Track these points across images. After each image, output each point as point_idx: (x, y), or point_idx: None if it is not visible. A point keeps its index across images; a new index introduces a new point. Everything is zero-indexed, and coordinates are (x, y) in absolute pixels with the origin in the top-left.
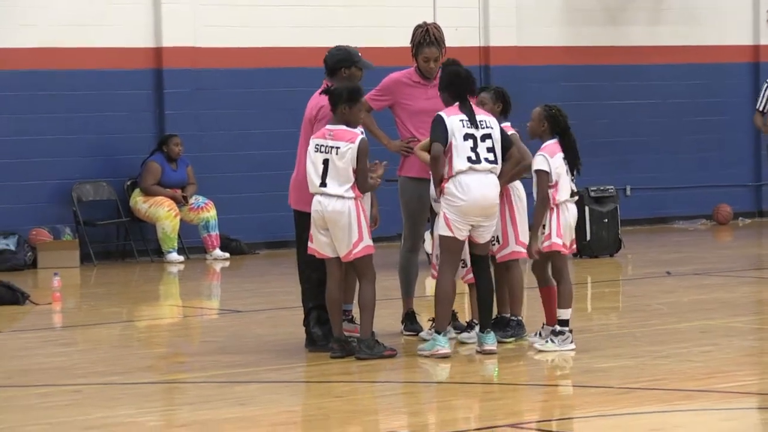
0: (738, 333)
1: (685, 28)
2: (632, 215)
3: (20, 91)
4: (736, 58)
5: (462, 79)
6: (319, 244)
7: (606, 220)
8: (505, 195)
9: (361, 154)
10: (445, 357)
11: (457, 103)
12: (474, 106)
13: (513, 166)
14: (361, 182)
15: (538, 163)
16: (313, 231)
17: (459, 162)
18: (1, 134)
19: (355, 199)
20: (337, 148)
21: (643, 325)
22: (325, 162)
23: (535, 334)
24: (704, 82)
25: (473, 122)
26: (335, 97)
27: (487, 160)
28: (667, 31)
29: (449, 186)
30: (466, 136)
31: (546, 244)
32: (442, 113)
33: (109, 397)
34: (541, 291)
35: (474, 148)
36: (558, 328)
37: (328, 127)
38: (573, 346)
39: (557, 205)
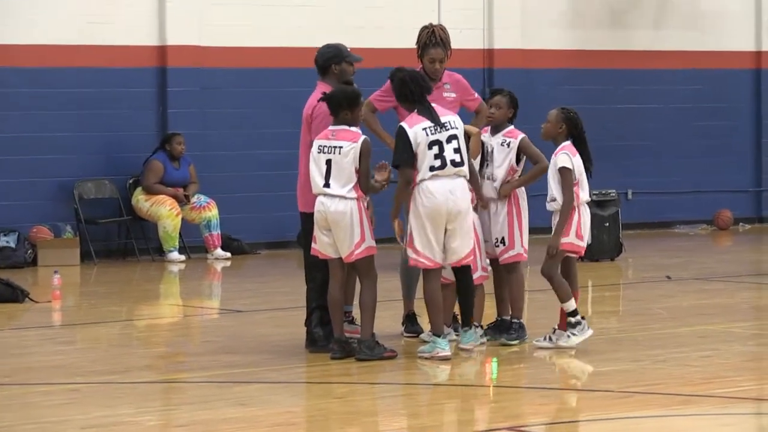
0: (737, 338)
1: (689, 33)
2: (633, 219)
3: (23, 88)
4: (738, 64)
5: (411, 84)
6: (321, 245)
7: (607, 224)
8: (512, 197)
9: (364, 154)
10: (445, 359)
11: (415, 110)
12: (435, 106)
13: (539, 172)
14: (363, 183)
15: (563, 161)
16: (316, 231)
17: (423, 172)
18: (4, 131)
19: (358, 199)
20: (340, 147)
21: (643, 329)
22: (328, 162)
23: (544, 338)
24: (707, 88)
25: (438, 124)
26: (335, 105)
27: (453, 162)
28: (671, 35)
29: (414, 194)
30: (431, 144)
31: (565, 241)
32: (404, 124)
33: (109, 396)
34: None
35: (440, 154)
36: (572, 320)
37: (331, 127)
38: (591, 331)
39: (578, 205)
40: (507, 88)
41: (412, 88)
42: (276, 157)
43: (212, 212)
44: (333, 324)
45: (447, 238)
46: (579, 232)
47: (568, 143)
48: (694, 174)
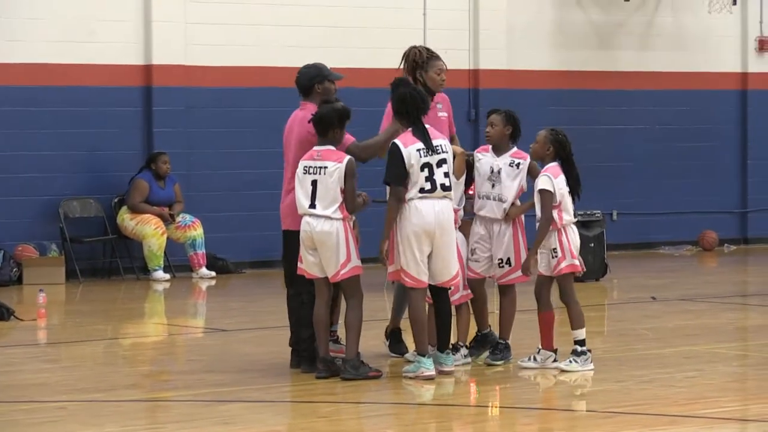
0: (722, 359)
1: (674, 54)
2: (618, 240)
3: (8, 106)
4: (724, 85)
5: (410, 103)
6: (307, 264)
7: (592, 245)
8: (517, 220)
9: (349, 174)
10: (429, 379)
11: (410, 129)
12: (428, 128)
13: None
14: (349, 202)
15: (543, 183)
16: (302, 251)
17: (412, 192)
18: None
19: (343, 220)
20: (325, 168)
21: (627, 349)
22: (314, 183)
23: (529, 359)
24: (692, 109)
25: (429, 148)
26: (327, 123)
27: (443, 186)
28: (657, 56)
29: (402, 211)
30: (423, 166)
31: (564, 265)
32: (398, 143)
33: (94, 414)
34: (544, 315)
35: (430, 177)
36: (579, 348)
37: (316, 148)
38: (592, 366)
39: (564, 227)
40: (493, 108)
41: (410, 108)
42: (261, 177)
43: (197, 231)
44: (318, 343)
45: (433, 258)
46: (573, 253)
47: (553, 165)
48: (679, 195)
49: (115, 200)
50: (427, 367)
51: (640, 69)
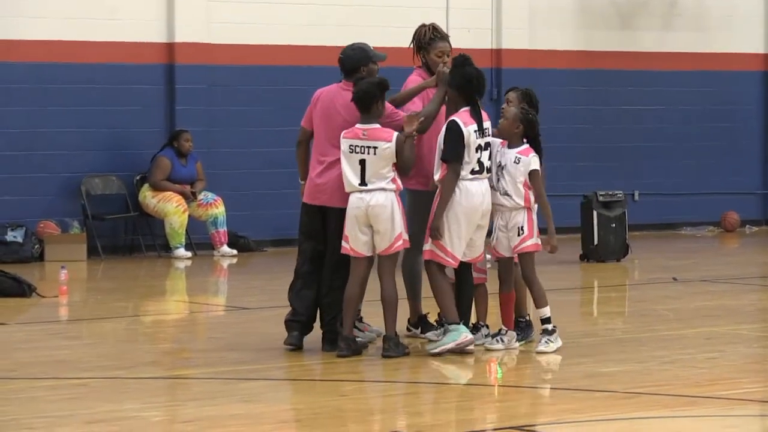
0: (743, 340)
1: (697, 34)
2: (640, 220)
3: (31, 83)
4: (747, 66)
5: (477, 83)
6: (357, 243)
7: (614, 225)
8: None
9: (400, 148)
10: (471, 343)
11: (467, 108)
12: (482, 111)
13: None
14: (406, 170)
15: (535, 163)
16: (352, 230)
17: (464, 172)
18: (11, 126)
19: (396, 191)
20: (375, 147)
21: (648, 330)
22: (362, 162)
23: (494, 338)
24: (715, 90)
25: (481, 130)
26: (370, 100)
27: (487, 169)
28: (679, 37)
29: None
30: (477, 148)
31: (530, 243)
32: (458, 121)
33: (115, 392)
34: (506, 296)
35: (479, 158)
36: (550, 327)
37: (360, 126)
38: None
39: (532, 207)
40: (525, 87)
41: (474, 88)
42: (283, 155)
43: (219, 209)
44: (345, 321)
45: (471, 237)
46: (538, 233)
47: (526, 146)
48: (701, 175)
49: (137, 178)
50: (465, 332)
51: (662, 49)
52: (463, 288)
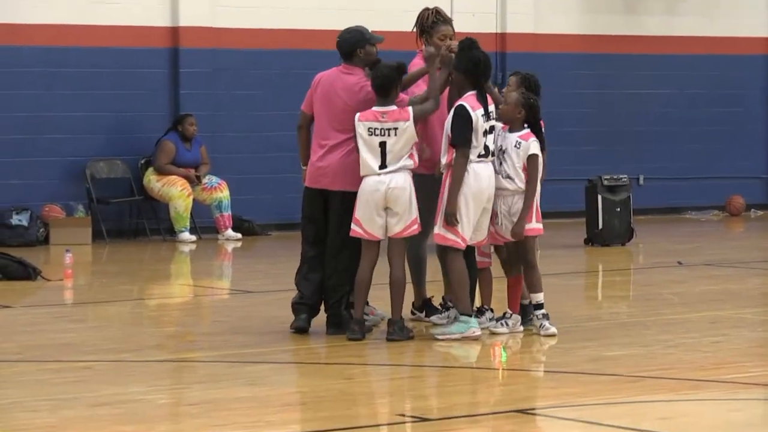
0: (747, 324)
1: (702, 18)
2: (645, 204)
3: (36, 67)
4: (752, 50)
5: (484, 67)
6: (372, 226)
7: (618, 209)
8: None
9: (418, 114)
10: (477, 338)
11: (473, 92)
12: (488, 96)
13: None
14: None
15: (534, 148)
16: (365, 214)
17: (472, 155)
18: (16, 110)
19: (412, 171)
20: (395, 129)
21: (653, 314)
22: (382, 144)
23: (499, 322)
24: (720, 73)
25: (487, 114)
26: (390, 85)
27: (492, 153)
28: (684, 21)
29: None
30: (485, 132)
31: (533, 227)
32: (466, 105)
33: (120, 375)
34: (514, 280)
35: (485, 142)
36: (544, 311)
37: (379, 109)
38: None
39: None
40: (525, 71)
41: (481, 72)
42: (288, 139)
43: (223, 193)
44: (356, 305)
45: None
46: (539, 216)
47: (528, 130)
48: (706, 160)
49: (142, 161)
50: (475, 326)
51: (667, 33)
52: (471, 274)
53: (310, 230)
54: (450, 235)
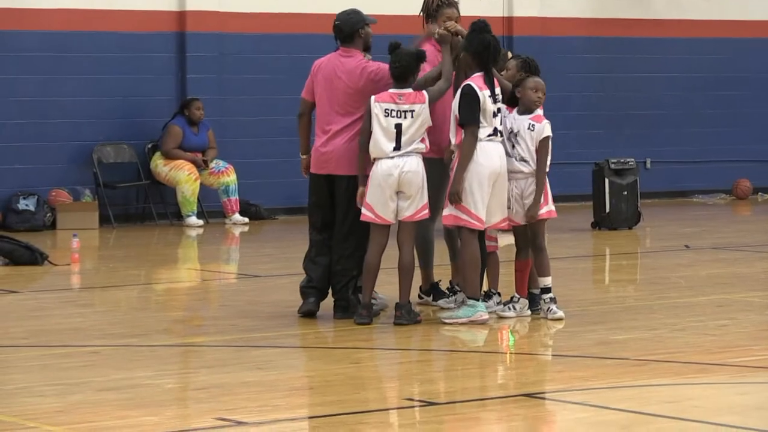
0: (754, 308)
1: (709, 2)
2: (652, 188)
3: (43, 52)
4: (759, 33)
5: (494, 50)
6: (385, 210)
7: (625, 193)
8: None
9: (434, 96)
10: (484, 323)
11: (481, 74)
12: (495, 78)
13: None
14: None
15: (548, 130)
16: (378, 198)
17: (482, 135)
18: (23, 95)
19: (423, 154)
20: (412, 111)
21: (660, 298)
22: (398, 126)
23: (506, 305)
24: (727, 57)
25: (494, 96)
26: (409, 72)
27: (501, 133)
28: (691, 4)
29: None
30: (494, 113)
31: (544, 211)
32: (473, 84)
33: (127, 359)
34: (523, 264)
35: (494, 124)
36: (552, 295)
37: (395, 91)
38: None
39: (546, 174)
40: (525, 55)
41: (490, 54)
42: (295, 123)
43: (230, 177)
44: (364, 289)
45: (489, 201)
46: (551, 199)
47: (540, 112)
48: (714, 143)
49: (149, 146)
50: (483, 310)
51: (674, 17)
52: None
53: (317, 216)
54: (463, 216)
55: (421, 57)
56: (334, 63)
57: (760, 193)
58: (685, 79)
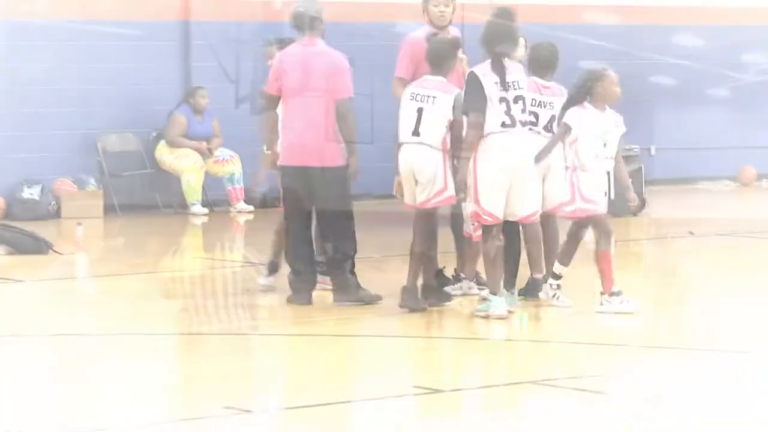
0: (760, 294)
1: None
2: (657, 175)
3: (47, 40)
4: (764, 19)
5: (500, 39)
6: (409, 195)
7: (630, 180)
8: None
9: (458, 106)
10: (501, 318)
11: (488, 62)
12: (506, 65)
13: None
14: (456, 135)
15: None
16: (405, 183)
17: (492, 124)
18: (28, 83)
19: (444, 152)
20: (434, 97)
21: (664, 284)
22: (419, 111)
23: (601, 305)
24: (731, 43)
25: (503, 84)
26: (443, 58)
27: (521, 122)
28: None
29: (482, 147)
30: (501, 100)
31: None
32: (476, 72)
33: (132, 348)
34: (602, 254)
35: (507, 111)
36: (558, 282)
37: (428, 77)
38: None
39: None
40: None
41: (499, 41)
42: None
43: (235, 166)
44: (427, 274)
45: (511, 193)
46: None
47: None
48: (718, 130)
49: (154, 134)
50: (499, 306)
51: (679, 3)
52: (507, 250)
53: (293, 207)
54: (477, 211)
55: (456, 45)
56: (303, 53)
57: (764, 180)
58: (689, 66)
